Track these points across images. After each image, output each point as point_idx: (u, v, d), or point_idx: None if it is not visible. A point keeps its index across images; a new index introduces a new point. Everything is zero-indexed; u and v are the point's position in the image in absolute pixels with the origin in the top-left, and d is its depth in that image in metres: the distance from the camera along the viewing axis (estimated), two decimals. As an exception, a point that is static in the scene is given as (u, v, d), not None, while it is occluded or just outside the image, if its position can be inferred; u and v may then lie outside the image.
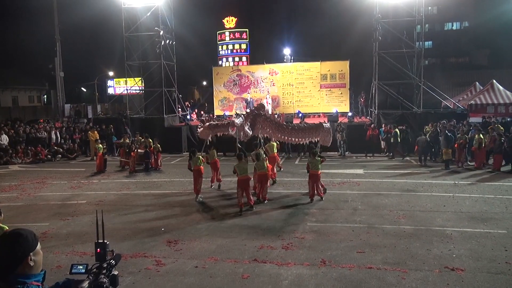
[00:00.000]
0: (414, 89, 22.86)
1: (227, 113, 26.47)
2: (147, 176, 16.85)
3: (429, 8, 50.64)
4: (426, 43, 47.87)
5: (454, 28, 56.81)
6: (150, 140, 18.68)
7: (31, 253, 2.35)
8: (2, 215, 6.60)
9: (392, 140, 19.60)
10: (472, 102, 26.08)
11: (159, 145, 18.41)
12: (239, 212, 11.11)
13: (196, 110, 30.92)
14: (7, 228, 6.43)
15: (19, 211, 11.74)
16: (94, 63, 51.68)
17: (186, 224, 10.21)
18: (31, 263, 2.35)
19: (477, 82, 29.92)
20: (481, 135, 16.59)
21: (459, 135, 17.47)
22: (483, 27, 46.98)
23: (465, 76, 40.54)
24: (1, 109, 40.36)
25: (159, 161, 18.37)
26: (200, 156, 13.11)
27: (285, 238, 8.96)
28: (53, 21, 32.80)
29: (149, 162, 17.98)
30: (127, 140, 19.84)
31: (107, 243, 2.76)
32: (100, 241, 2.77)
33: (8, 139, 21.86)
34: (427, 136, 18.13)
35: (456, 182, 14.19)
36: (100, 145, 18.46)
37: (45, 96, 55.69)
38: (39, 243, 2.44)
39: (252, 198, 11.61)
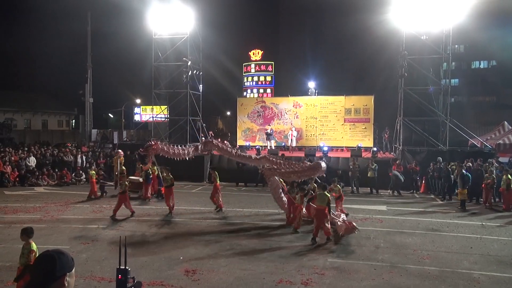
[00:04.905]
0: (440, 126, 22.55)
1: (248, 143, 26.62)
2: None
3: (456, 46, 50.58)
4: (453, 80, 47.46)
5: (481, 66, 56.44)
6: (156, 168, 18.16)
7: (67, 273, 2.43)
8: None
9: (368, 175, 19.76)
10: (500, 141, 25.49)
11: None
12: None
13: (219, 140, 31.09)
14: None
15: (41, 233, 11.84)
16: (122, 91, 53.26)
17: (204, 254, 10.12)
18: (65, 283, 2.42)
19: (505, 122, 29.31)
20: (509, 176, 16.09)
21: (487, 175, 17.00)
22: (511, 66, 46.49)
23: (493, 115, 39.81)
24: (31, 132, 41.66)
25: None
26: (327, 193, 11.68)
27: (304, 273, 8.76)
28: (85, 49, 34.15)
29: (160, 189, 17.83)
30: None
31: (129, 269, 2.74)
32: (122, 267, 2.75)
33: (35, 161, 22.42)
34: (454, 175, 17.80)
35: (483, 223, 13.70)
36: (93, 172, 18.33)
37: (73, 120, 57.36)
38: (74, 269, 2.51)
39: (329, 228, 11.30)
